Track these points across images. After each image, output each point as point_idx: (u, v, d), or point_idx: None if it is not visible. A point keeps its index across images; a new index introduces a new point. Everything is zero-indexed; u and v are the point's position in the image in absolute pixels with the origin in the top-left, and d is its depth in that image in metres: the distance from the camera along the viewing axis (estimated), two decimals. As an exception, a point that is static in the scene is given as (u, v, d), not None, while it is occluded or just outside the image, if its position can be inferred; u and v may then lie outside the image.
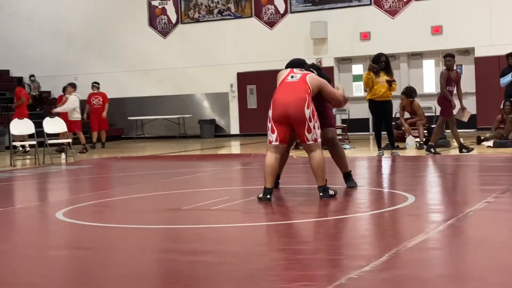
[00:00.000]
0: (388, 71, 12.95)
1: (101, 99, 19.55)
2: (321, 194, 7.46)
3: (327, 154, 7.98)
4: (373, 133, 14.46)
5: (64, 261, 5.36)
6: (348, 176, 8.27)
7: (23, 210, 8.31)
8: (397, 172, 11.04)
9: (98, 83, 19.85)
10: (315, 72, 7.82)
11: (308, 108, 7.33)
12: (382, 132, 13.10)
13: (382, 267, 4.48)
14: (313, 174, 7.57)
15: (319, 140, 7.54)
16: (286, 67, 7.96)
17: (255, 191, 8.03)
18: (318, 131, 7.51)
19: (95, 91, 19.66)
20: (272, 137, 7.47)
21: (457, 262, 4.65)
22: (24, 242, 6.22)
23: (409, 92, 14.63)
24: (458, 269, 4.44)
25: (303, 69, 7.79)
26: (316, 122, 7.43)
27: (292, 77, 7.57)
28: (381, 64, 12.92)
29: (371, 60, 13.48)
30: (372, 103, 13.07)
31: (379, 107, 12.90)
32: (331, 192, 7.50)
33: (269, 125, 7.48)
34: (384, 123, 13.03)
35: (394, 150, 12.90)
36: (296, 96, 7.37)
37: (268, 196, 7.42)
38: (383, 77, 12.80)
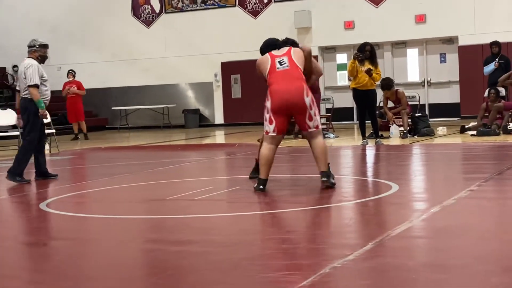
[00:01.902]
0: (373, 60, 12.97)
1: (76, 88, 19.02)
2: (324, 179, 7.35)
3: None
4: (357, 122, 14.49)
5: (49, 252, 5.35)
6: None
7: (6, 201, 8.28)
8: (381, 161, 11.08)
9: (73, 71, 19.44)
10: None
11: (307, 96, 7.31)
12: (366, 121, 13.12)
13: (366, 256, 4.50)
14: (316, 160, 7.45)
15: (320, 126, 7.52)
16: (262, 52, 7.83)
17: (239, 181, 8.04)
18: (319, 118, 7.51)
19: (71, 79, 19.17)
20: (270, 127, 7.38)
21: (441, 250, 4.68)
22: (8, 233, 6.20)
23: (388, 85, 14.63)
24: (442, 258, 4.47)
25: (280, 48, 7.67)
26: (316, 109, 7.43)
27: (280, 63, 7.46)
28: (365, 53, 12.95)
29: (356, 49, 13.50)
30: (355, 92, 13.10)
31: (363, 96, 12.93)
32: (332, 180, 7.39)
33: (267, 115, 7.39)
34: (367, 112, 13.06)
35: (378, 139, 12.94)
36: (294, 85, 7.33)
37: (262, 187, 7.38)
38: (367, 66, 12.83)
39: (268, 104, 7.39)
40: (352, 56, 13.44)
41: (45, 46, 9.70)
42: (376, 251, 4.64)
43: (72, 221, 6.52)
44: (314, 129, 7.40)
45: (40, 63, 9.61)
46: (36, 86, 9.46)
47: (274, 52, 7.65)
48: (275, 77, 7.45)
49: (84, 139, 18.67)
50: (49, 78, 19.39)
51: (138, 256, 5.07)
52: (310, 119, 7.36)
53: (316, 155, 7.44)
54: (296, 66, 7.46)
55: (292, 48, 7.63)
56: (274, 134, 7.39)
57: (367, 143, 12.83)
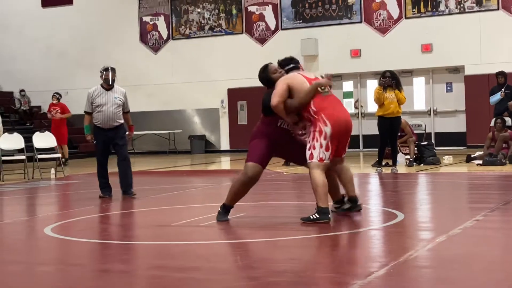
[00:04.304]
0: (398, 85, 13.00)
1: (59, 110, 18.64)
2: (359, 203, 7.49)
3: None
4: (363, 150, 14.44)
5: (52, 278, 5.32)
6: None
7: (11, 225, 8.26)
8: (386, 190, 11.04)
9: (59, 94, 19.21)
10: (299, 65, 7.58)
11: None
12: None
13: (371, 285, 4.47)
14: (345, 185, 7.41)
15: None
16: (285, 67, 7.47)
17: (244, 208, 8.01)
18: None
19: (55, 102, 18.87)
20: (326, 154, 7.02)
21: (447, 280, 4.65)
22: (12, 258, 6.18)
23: None
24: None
25: (301, 68, 7.53)
26: None
27: (323, 89, 7.18)
28: (386, 80, 12.95)
29: (379, 77, 13.49)
30: (382, 120, 13.01)
31: (389, 123, 12.89)
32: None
33: (323, 142, 6.99)
34: (390, 140, 13.03)
35: (393, 167, 12.86)
36: (347, 111, 7.35)
37: (329, 216, 7.02)
38: (390, 93, 12.84)
39: (326, 129, 7.00)
40: (378, 83, 13.40)
41: (106, 70, 10.27)
42: (381, 280, 4.61)
43: (76, 247, 6.50)
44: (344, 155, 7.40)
45: (105, 86, 10.24)
46: (85, 112, 10.25)
47: (305, 74, 7.34)
48: (325, 101, 7.12)
49: (64, 164, 16.94)
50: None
51: (142, 282, 5.04)
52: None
53: (348, 179, 7.43)
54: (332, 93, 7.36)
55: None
56: (328, 161, 7.09)
57: (382, 171, 12.78)
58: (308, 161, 7.08)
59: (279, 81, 7.22)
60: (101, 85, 10.28)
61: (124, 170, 10.29)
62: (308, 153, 7.07)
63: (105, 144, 10.24)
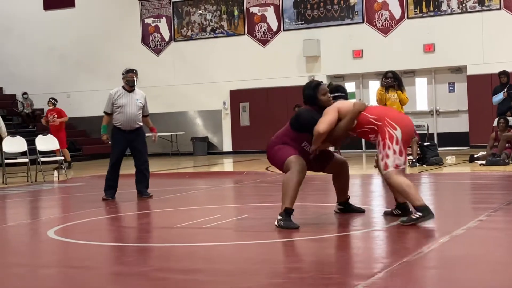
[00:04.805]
0: (400, 85, 12.95)
1: (55, 116, 18.10)
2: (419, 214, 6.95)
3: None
4: (365, 151, 14.43)
5: (55, 280, 5.32)
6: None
7: (14, 228, 8.27)
8: (389, 190, 11.00)
9: (54, 99, 18.68)
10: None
11: None
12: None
13: (374, 286, 4.46)
14: (397, 193, 7.17)
15: None
16: (333, 93, 7.27)
17: (247, 210, 8.01)
18: None
19: (51, 107, 18.45)
20: (401, 160, 6.75)
21: (451, 281, 4.64)
22: (15, 260, 6.18)
23: None
24: (450, 288, 4.43)
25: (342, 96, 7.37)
26: None
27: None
28: (388, 80, 12.90)
29: (381, 77, 13.43)
30: None
31: None
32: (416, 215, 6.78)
33: (396, 148, 6.72)
34: None
35: None
36: None
37: (430, 214, 6.72)
38: (392, 94, 12.82)
39: (396, 133, 6.74)
40: (380, 84, 13.34)
41: (129, 71, 10.26)
42: (384, 281, 4.60)
43: (79, 249, 6.49)
44: None
45: (127, 88, 10.22)
46: (104, 113, 10.32)
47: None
48: (378, 107, 7.22)
49: (67, 167, 17.41)
50: (58, 105, 19.47)
51: (145, 284, 5.04)
52: None
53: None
54: None
55: None
56: (404, 166, 6.83)
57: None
58: (384, 171, 6.82)
59: (330, 109, 6.93)
60: (123, 87, 10.26)
61: (144, 174, 10.44)
62: (381, 164, 6.82)
63: (123, 146, 10.27)
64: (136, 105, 10.22)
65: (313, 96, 7.09)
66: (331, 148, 7.46)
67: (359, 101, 7.23)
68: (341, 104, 6.99)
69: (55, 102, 18.59)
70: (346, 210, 7.64)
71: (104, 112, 10.33)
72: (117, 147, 10.25)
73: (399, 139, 6.73)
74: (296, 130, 7.04)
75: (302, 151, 7.05)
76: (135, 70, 10.29)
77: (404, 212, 7.20)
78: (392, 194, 7.31)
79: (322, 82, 7.32)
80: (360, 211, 7.69)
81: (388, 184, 7.00)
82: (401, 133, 6.74)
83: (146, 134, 10.75)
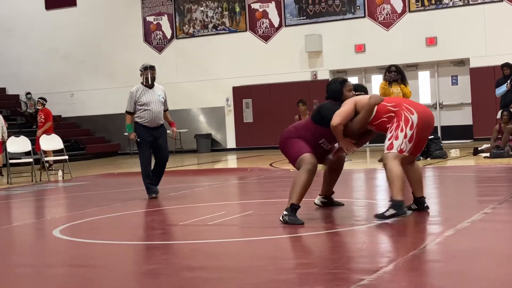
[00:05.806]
0: (403, 79, 12.92)
1: (43, 117, 17.57)
2: (426, 205, 7.15)
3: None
4: (370, 145, 14.40)
5: (61, 279, 5.33)
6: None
7: (20, 228, 8.28)
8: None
9: (43, 99, 18.18)
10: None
11: None
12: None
13: (379, 281, 4.46)
14: (414, 185, 7.13)
15: None
16: (356, 91, 7.35)
17: (252, 206, 8.01)
18: None
19: (40, 107, 18.08)
20: (408, 146, 6.71)
21: (456, 274, 4.64)
22: (21, 260, 6.19)
23: None
24: (457, 282, 4.42)
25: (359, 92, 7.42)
26: None
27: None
28: (391, 74, 12.86)
29: (384, 72, 13.39)
30: None
31: None
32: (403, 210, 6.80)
33: (409, 132, 6.67)
34: None
35: None
36: None
37: (405, 209, 6.82)
38: (396, 88, 12.79)
39: (413, 117, 6.71)
40: (383, 78, 13.30)
41: (146, 68, 10.15)
42: (390, 275, 4.60)
43: (85, 248, 6.51)
44: None
45: (146, 85, 10.07)
46: (126, 112, 10.15)
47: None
48: (397, 98, 7.15)
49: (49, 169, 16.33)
50: (61, 104, 19.50)
51: (150, 282, 5.04)
52: None
53: (419, 178, 7.14)
54: None
55: None
56: (407, 154, 6.79)
57: None
58: (386, 151, 6.76)
59: (347, 102, 6.97)
60: (142, 83, 10.17)
61: (162, 170, 10.45)
62: (387, 143, 6.74)
63: (150, 143, 10.20)
64: (159, 101, 10.18)
65: (339, 91, 7.14)
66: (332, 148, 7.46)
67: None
68: (358, 98, 7.04)
69: (44, 102, 18.15)
70: (329, 204, 7.78)
71: (126, 112, 10.18)
72: (144, 145, 10.17)
73: (414, 124, 6.69)
74: (317, 123, 7.04)
75: (317, 147, 7.06)
76: (152, 66, 10.17)
77: (420, 206, 7.16)
78: (409, 188, 7.24)
79: (346, 79, 7.41)
80: (340, 205, 7.80)
81: (383, 164, 6.99)
82: (418, 118, 6.71)
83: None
